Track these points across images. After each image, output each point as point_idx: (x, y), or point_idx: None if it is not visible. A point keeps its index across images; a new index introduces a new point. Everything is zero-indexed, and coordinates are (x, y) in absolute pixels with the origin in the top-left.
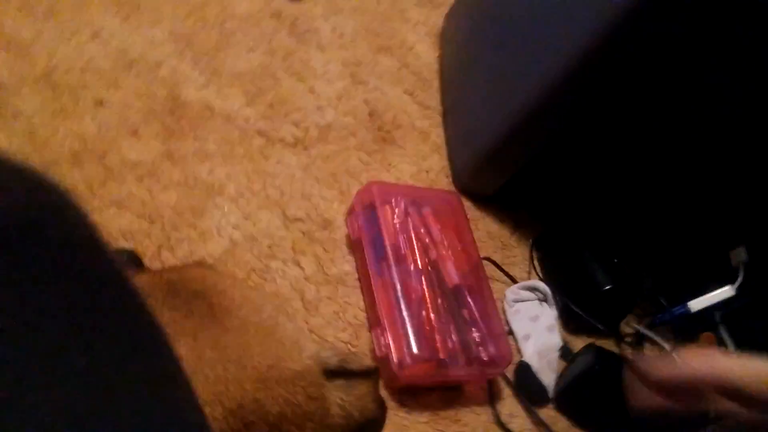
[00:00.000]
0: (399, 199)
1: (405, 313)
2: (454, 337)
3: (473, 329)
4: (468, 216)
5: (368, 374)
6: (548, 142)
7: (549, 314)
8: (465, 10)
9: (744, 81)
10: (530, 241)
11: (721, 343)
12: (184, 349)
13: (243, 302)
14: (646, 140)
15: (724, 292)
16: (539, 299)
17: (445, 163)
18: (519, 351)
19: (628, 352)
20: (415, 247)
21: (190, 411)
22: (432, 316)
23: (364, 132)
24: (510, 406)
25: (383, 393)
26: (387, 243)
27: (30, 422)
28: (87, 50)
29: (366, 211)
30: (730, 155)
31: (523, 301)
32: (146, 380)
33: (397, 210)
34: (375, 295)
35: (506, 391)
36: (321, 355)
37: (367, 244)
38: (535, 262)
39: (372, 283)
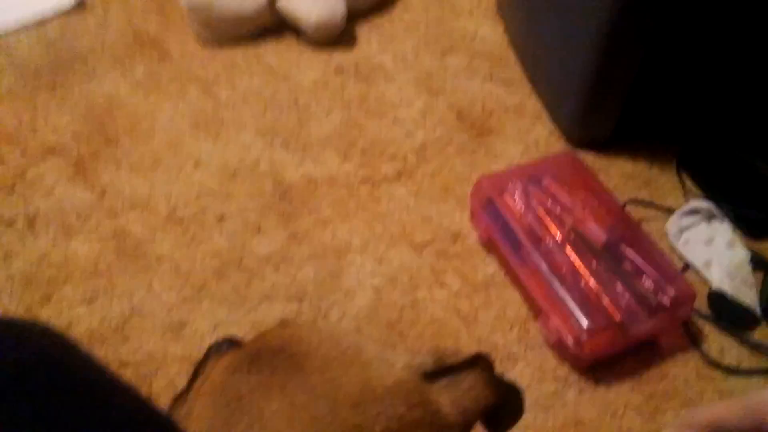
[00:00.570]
0: (514, 182)
1: (562, 291)
2: (624, 294)
3: (643, 278)
4: (594, 167)
5: (473, 364)
6: (641, 59)
7: (723, 230)
8: None
9: None
10: (673, 164)
11: None
12: (275, 403)
13: (321, 342)
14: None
15: None
16: (706, 219)
17: (551, 126)
18: (705, 281)
19: None
20: (548, 221)
21: None
22: (591, 282)
23: (458, 135)
24: (717, 341)
25: (573, 377)
26: (517, 230)
27: None
28: (195, 179)
29: (486, 208)
30: None
31: (688, 228)
32: None
33: (516, 193)
34: (526, 285)
35: (707, 328)
36: (413, 362)
37: (499, 240)
38: (686, 184)
39: (519, 274)
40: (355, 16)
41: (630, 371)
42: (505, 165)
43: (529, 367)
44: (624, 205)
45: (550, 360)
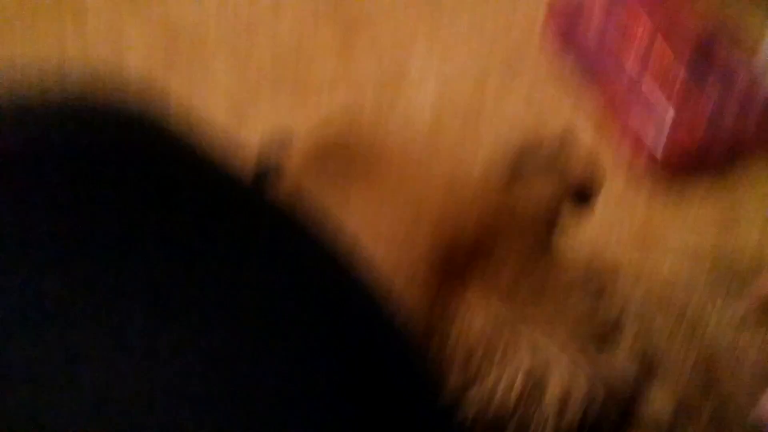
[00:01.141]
0: None
1: (651, 87)
2: (713, 93)
3: (737, 79)
4: None
5: (561, 143)
6: None
7: None
8: None
9: None
10: None
11: None
12: (364, 191)
13: (401, 137)
14: None
15: None
16: None
17: None
18: None
19: None
20: (638, 15)
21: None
22: (680, 75)
23: None
24: None
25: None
26: (602, 26)
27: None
28: None
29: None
30: None
31: None
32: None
33: None
34: (608, 82)
35: None
36: (503, 146)
37: (580, 36)
38: None
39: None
40: None
41: (709, 180)
42: None
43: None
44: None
45: (625, 156)
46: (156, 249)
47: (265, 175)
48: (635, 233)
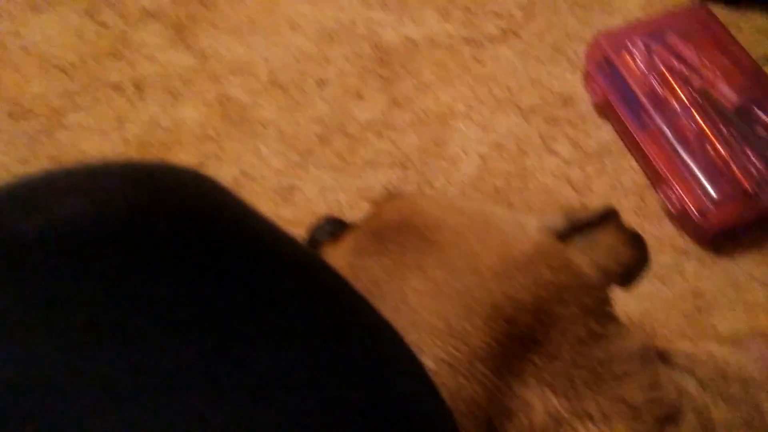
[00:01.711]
0: (634, 39)
1: (687, 157)
2: (755, 161)
3: None
4: (725, 22)
5: (605, 219)
6: None
7: None
8: None
9: None
10: None
11: None
12: (417, 283)
13: (444, 212)
14: None
15: None
16: None
17: None
18: None
19: None
20: (673, 82)
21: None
22: (719, 147)
23: None
24: None
25: (693, 248)
26: (638, 92)
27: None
28: (292, 43)
29: (602, 68)
30: None
31: None
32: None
33: (636, 52)
34: (646, 151)
35: None
36: (545, 223)
37: (617, 103)
38: None
39: (638, 140)
40: None
41: (756, 243)
42: (623, 21)
43: (646, 237)
44: (758, 63)
45: (669, 230)
46: (208, 329)
47: (315, 249)
48: (684, 311)
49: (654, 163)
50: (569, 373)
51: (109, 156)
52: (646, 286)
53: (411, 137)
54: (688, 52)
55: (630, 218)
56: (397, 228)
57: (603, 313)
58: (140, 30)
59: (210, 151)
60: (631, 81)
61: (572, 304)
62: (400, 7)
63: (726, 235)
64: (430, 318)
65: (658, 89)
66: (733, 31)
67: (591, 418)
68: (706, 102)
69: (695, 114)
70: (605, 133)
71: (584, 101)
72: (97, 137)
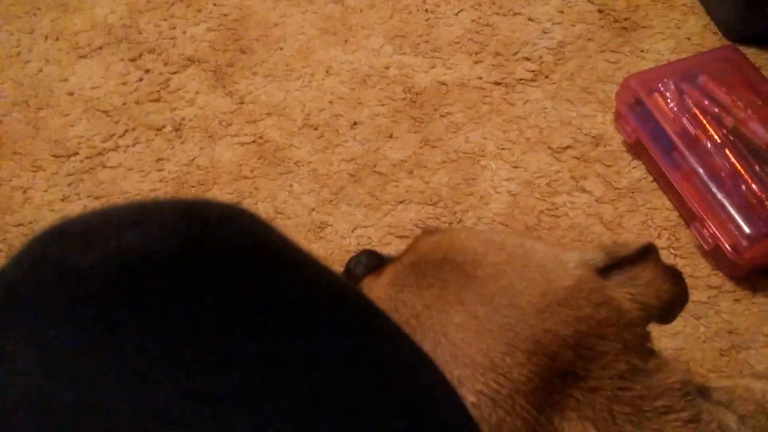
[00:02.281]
0: (666, 80)
1: (720, 195)
2: None
3: None
4: (756, 64)
5: (644, 255)
6: None
7: None
8: None
9: None
10: None
11: None
12: (458, 317)
13: (484, 247)
14: None
15: None
16: None
17: (705, 20)
18: None
19: None
20: (705, 122)
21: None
22: (753, 185)
23: (600, 32)
24: None
25: (728, 285)
26: (670, 132)
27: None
28: (327, 86)
29: (634, 109)
30: None
31: None
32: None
33: (668, 93)
34: (679, 189)
35: None
36: (585, 258)
37: (648, 142)
38: None
39: (671, 178)
40: None
41: None
42: (654, 63)
43: None
44: None
45: (703, 268)
46: (253, 357)
47: (350, 280)
48: (720, 349)
49: (687, 200)
50: (610, 408)
51: (147, 194)
52: (680, 323)
53: (441, 176)
54: (720, 92)
55: (663, 256)
56: (437, 262)
57: (643, 348)
58: (181, 75)
59: (245, 189)
60: (662, 121)
61: (613, 339)
62: (431, 52)
63: (761, 271)
64: (472, 352)
65: (690, 129)
66: (765, 73)
67: None
68: (739, 140)
69: (728, 152)
70: (637, 171)
71: (615, 141)
72: (137, 177)
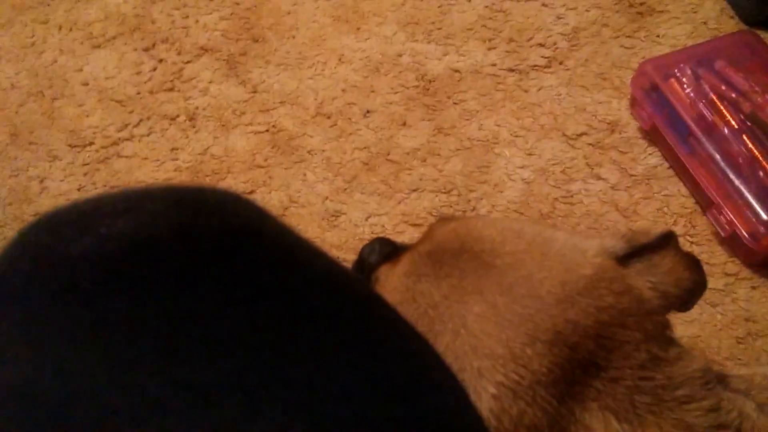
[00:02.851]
0: (682, 66)
1: (737, 181)
2: None
3: None
4: None
5: (664, 243)
6: None
7: None
8: None
9: None
10: None
11: None
12: (477, 307)
13: (502, 236)
14: None
15: None
16: None
17: (722, 4)
18: None
19: None
20: (722, 108)
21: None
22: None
23: (615, 17)
24: None
25: (745, 272)
26: (686, 117)
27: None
28: (339, 74)
29: (649, 95)
30: None
31: None
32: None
33: (684, 78)
34: (695, 175)
35: None
36: (605, 246)
37: (665, 128)
38: None
39: (687, 165)
40: None
41: None
42: (670, 48)
43: None
44: None
45: (719, 255)
46: (244, 345)
47: (364, 268)
48: (737, 336)
49: (703, 187)
50: (631, 397)
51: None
52: (697, 310)
53: (455, 163)
54: (737, 77)
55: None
56: (454, 252)
57: (664, 337)
58: (194, 64)
59: (259, 178)
60: (679, 107)
61: (634, 328)
62: (444, 39)
63: None
64: (491, 343)
65: (707, 114)
66: None
67: None
68: (756, 126)
69: (745, 138)
70: (652, 158)
71: (631, 127)
72: (151, 166)
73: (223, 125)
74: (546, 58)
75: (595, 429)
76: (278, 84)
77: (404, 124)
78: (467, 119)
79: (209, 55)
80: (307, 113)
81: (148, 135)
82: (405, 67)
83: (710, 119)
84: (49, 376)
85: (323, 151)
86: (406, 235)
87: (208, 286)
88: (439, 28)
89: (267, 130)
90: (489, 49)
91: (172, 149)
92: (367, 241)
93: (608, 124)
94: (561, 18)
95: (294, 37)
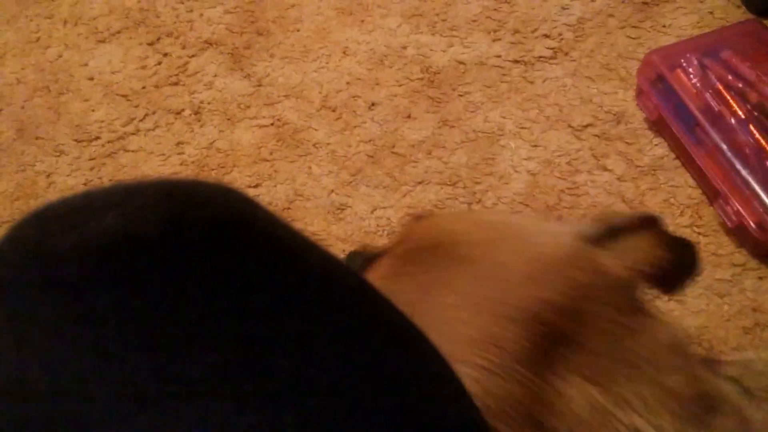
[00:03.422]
0: (688, 56)
1: (744, 171)
2: None
3: None
4: None
5: (643, 225)
6: None
7: None
8: None
9: None
10: None
11: None
12: (451, 298)
13: (475, 227)
14: None
15: None
16: None
17: None
18: None
19: None
20: (728, 98)
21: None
22: None
23: (621, 7)
24: None
25: (752, 263)
26: (693, 108)
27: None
28: (344, 67)
29: (656, 85)
30: None
31: None
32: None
33: (690, 69)
34: (702, 166)
35: None
36: (578, 230)
37: (671, 119)
38: None
39: (694, 155)
40: None
41: None
42: (676, 39)
43: (703, 252)
44: None
45: (727, 245)
46: (233, 337)
47: (355, 263)
48: (744, 327)
49: (710, 178)
50: (607, 367)
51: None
52: (704, 301)
53: (460, 155)
54: (743, 67)
55: (686, 234)
56: (428, 248)
57: (634, 308)
58: (199, 58)
59: (264, 172)
60: (685, 97)
61: (604, 302)
62: (449, 31)
63: None
64: (466, 329)
65: (714, 105)
66: None
67: (631, 405)
68: (763, 116)
69: (752, 128)
70: (659, 149)
71: (637, 118)
72: (157, 160)
73: (228, 119)
74: (551, 49)
75: (572, 395)
76: (283, 77)
77: (409, 116)
78: (472, 111)
79: (214, 49)
80: (312, 106)
81: (153, 129)
82: (410, 59)
83: (717, 109)
84: (35, 371)
85: (328, 144)
86: None
87: (196, 279)
88: (444, 20)
89: (272, 124)
90: (494, 40)
91: (178, 143)
92: (373, 234)
93: (614, 115)
94: (566, 9)
95: (298, 30)
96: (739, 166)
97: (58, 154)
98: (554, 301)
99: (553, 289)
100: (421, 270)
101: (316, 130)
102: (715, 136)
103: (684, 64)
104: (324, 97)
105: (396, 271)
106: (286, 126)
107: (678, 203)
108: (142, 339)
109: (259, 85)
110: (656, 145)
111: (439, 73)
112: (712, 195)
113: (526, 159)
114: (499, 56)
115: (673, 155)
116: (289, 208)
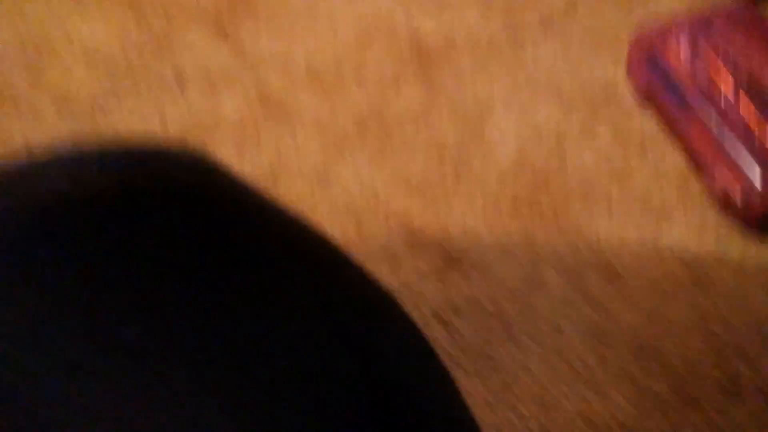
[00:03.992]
0: (680, 31)
1: (732, 144)
2: None
3: None
4: None
5: None
6: None
7: None
8: None
9: None
10: None
11: None
12: None
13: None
14: None
15: None
16: None
17: None
18: None
19: None
20: (719, 72)
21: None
22: (766, 135)
23: None
24: None
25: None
26: (683, 82)
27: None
28: (331, 37)
29: (646, 59)
30: None
31: None
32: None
33: (682, 44)
34: (691, 140)
35: None
36: None
37: (661, 93)
38: None
39: (683, 129)
40: None
41: None
42: (668, 13)
43: (688, 224)
44: None
45: (713, 218)
46: (182, 301)
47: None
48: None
49: (699, 153)
50: None
51: None
52: (686, 274)
53: (447, 125)
54: (735, 43)
55: (673, 206)
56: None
57: None
58: (182, 25)
59: (248, 140)
60: (676, 72)
61: None
62: (439, 2)
63: None
64: None
65: (704, 79)
66: None
67: None
68: (754, 90)
69: (742, 104)
70: (648, 123)
71: (626, 92)
72: (139, 128)
73: (211, 86)
74: (541, 22)
75: None
76: (267, 45)
77: (396, 85)
78: (461, 82)
79: (197, 18)
80: (298, 76)
81: (135, 97)
82: (398, 30)
83: (707, 84)
84: None
85: (314, 114)
86: (398, 200)
87: (147, 241)
88: None
89: (256, 92)
90: (483, 13)
91: (160, 111)
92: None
93: (604, 88)
94: None
95: None
96: (728, 141)
97: (37, 119)
98: None
99: None
100: None
101: (302, 100)
102: (705, 111)
103: (675, 38)
104: (309, 66)
105: None
106: (272, 96)
107: (666, 175)
108: (78, 303)
109: (243, 53)
110: (645, 119)
111: (427, 43)
112: (700, 167)
113: (514, 131)
114: (489, 28)
115: (662, 129)
116: (273, 177)
